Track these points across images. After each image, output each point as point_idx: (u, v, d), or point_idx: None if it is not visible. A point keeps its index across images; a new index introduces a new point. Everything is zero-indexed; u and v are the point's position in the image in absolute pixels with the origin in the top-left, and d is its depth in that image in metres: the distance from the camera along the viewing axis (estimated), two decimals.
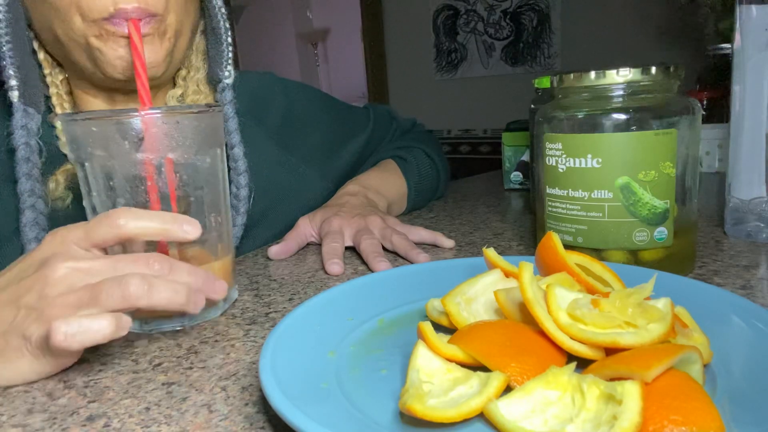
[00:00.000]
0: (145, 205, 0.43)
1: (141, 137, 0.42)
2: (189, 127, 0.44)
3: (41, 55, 0.59)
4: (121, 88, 0.60)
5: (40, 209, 0.54)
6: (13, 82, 0.53)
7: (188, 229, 0.40)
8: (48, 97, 0.59)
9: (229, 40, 0.62)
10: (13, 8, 0.54)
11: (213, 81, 0.65)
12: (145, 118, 0.42)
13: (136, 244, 0.43)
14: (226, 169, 0.49)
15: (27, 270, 0.38)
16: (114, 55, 0.54)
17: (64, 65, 0.60)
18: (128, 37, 0.52)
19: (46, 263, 0.37)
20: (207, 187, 0.46)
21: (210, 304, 0.45)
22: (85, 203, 0.45)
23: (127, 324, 0.36)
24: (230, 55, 0.63)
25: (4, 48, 0.53)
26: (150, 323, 0.44)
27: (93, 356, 0.41)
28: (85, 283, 0.37)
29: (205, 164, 0.45)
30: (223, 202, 0.48)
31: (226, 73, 0.63)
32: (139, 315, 0.44)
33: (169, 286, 0.38)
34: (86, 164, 0.43)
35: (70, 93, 0.62)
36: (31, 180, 0.53)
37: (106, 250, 0.41)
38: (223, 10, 0.62)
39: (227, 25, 0.62)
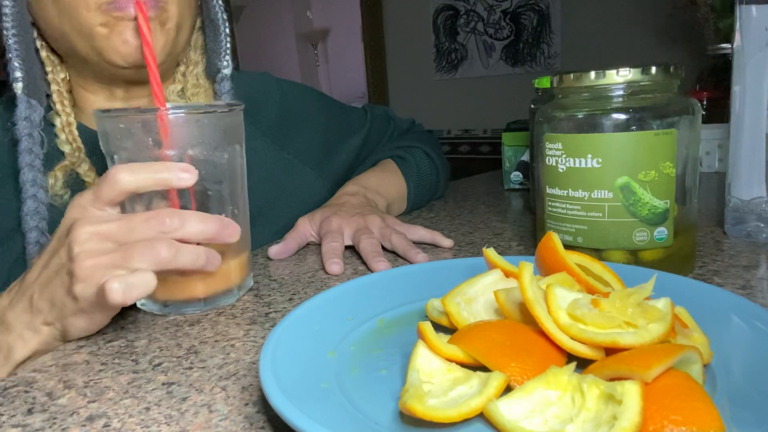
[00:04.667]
0: (165, 198, 0.46)
1: (158, 132, 0.44)
2: (209, 125, 0.46)
3: (44, 54, 0.60)
4: (122, 81, 0.61)
5: (41, 199, 0.55)
6: (18, 74, 0.55)
7: (184, 176, 0.42)
8: (49, 96, 0.60)
9: (227, 31, 0.64)
10: (19, 3, 0.55)
11: (211, 73, 0.66)
12: (168, 117, 0.44)
13: (157, 200, 0.46)
14: (245, 165, 0.51)
15: (61, 240, 0.43)
16: (119, 39, 0.54)
17: (67, 60, 0.61)
18: (135, 20, 0.53)
19: (70, 231, 0.41)
20: (225, 182, 0.48)
21: (226, 291, 0.49)
22: None
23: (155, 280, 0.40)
24: (228, 46, 0.64)
25: (10, 41, 0.54)
26: (169, 305, 0.47)
27: (93, 356, 0.41)
28: (105, 244, 0.41)
29: (223, 160, 0.48)
30: (241, 196, 0.50)
31: (225, 63, 0.64)
32: (160, 297, 0.47)
33: (192, 249, 0.42)
34: (115, 157, 0.46)
35: (71, 91, 0.63)
36: (33, 171, 0.55)
37: (124, 206, 0.44)
38: (220, 2, 0.63)
39: (225, 17, 0.64)
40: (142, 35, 0.51)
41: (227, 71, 0.64)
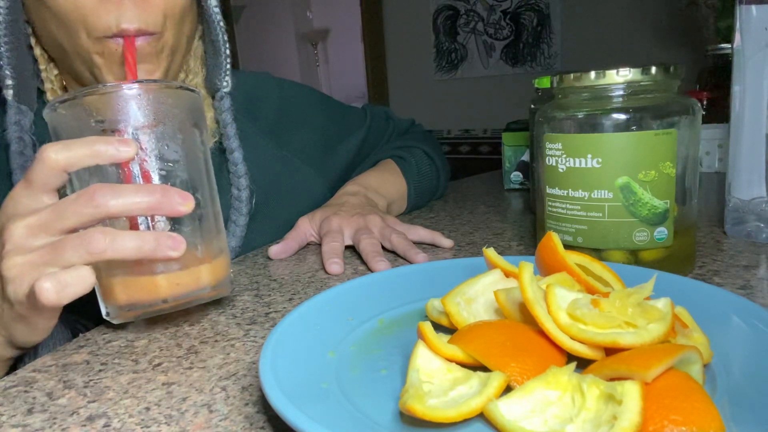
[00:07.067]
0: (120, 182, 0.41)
1: (104, 112, 0.41)
2: (159, 101, 0.42)
3: (37, 51, 0.60)
4: None
5: None
6: (9, 81, 0.55)
7: (122, 148, 0.38)
8: (42, 92, 0.61)
9: (228, 52, 0.63)
10: (13, 9, 0.55)
11: (210, 90, 0.66)
12: (114, 93, 0.41)
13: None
14: (209, 156, 0.46)
15: None
16: (112, 76, 0.55)
17: (60, 66, 0.61)
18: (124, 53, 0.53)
19: (2, 229, 0.38)
20: (182, 163, 0.43)
21: (195, 285, 0.43)
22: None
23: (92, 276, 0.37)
24: (228, 66, 0.64)
25: (2, 48, 0.54)
26: (131, 308, 0.42)
27: (93, 356, 0.41)
28: (38, 239, 0.37)
29: (177, 140, 0.43)
30: (206, 185, 0.45)
31: (224, 83, 0.64)
32: (121, 299, 0.42)
33: (134, 235, 0.37)
34: None
35: (65, 88, 0.63)
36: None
37: (62, 191, 0.40)
38: (222, 23, 0.62)
39: (226, 38, 0.63)
40: (127, 66, 0.51)
41: (227, 90, 0.64)
